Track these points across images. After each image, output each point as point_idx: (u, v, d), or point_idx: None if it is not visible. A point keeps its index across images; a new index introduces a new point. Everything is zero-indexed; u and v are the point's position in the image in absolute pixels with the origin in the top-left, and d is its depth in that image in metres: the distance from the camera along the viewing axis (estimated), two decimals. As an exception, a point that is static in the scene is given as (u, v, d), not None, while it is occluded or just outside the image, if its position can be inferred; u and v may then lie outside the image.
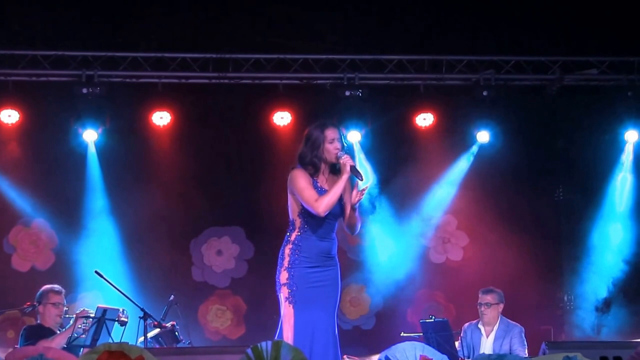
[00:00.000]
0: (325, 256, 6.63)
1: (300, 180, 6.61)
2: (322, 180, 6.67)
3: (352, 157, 6.77)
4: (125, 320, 8.14)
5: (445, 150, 11.19)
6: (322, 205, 6.50)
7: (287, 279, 6.58)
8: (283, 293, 6.59)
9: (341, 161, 6.59)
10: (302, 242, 6.61)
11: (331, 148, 6.63)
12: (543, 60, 10.88)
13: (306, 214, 6.58)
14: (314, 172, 6.67)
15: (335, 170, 6.67)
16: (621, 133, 10.95)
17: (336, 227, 6.71)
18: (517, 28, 10.48)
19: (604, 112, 10.81)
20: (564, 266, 11.27)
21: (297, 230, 6.65)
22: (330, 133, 6.66)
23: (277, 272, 6.66)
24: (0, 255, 10.76)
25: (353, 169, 6.56)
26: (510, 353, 8.28)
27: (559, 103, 10.95)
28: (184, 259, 11.01)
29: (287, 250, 6.63)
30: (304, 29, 10.40)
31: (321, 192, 6.58)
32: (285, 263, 6.61)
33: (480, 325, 8.74)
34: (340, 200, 6.69)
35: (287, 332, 6.52)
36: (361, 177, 6.60)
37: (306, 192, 6.56)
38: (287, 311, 6.56)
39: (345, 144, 6.73)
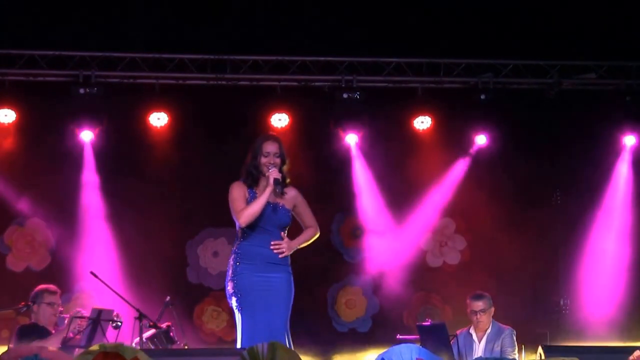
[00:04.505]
0: (271, 263, 6.80)
1: (232, 192, 6.89)
2: (260, 192, 6.88)
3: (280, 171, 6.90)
4: (119, 323, 8.11)
5: (443, 154, 11.17)
6: (243, 217, 6.76)
7: (232, 288, 6.81)
8: (233, 302, 6.82)
9: (267, 174, 6.82)
10: (242, 250, 6.84)
11: (264, 161, 6.87)
12: (541, 64, 10.87)
13: None
14: (252, 183, 6.91)
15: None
16: (619, 138, 10.94)
17: (281, 237, 6.87)
18: (516, 32, 10.47)
19: (602, 116, 10.78)
20: (560, 270, 11.24)
21: (238, 239, 6.91)
22: (267, 146, 6.90)
23: (225, 284, 6.91)
24: (-4, 255, 10.76)
25: (276, 182, 6.77)
26: (501, 354, 8.30)
27: (557, 107, 10.93)
28: (179, 260, 10.98)
29: (231, 261, 6.89)
30: (302, 31, 10.37)
31: None
32: (230, 273, 6.86)
33: (472, 331, 8.72)
34: (288, 212, 6.88)
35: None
36: (279, 191, 6.83)
37: (234, 204, 6.84)
38: (238, 318, 6.81)
39: (284, 159, 6.91)
